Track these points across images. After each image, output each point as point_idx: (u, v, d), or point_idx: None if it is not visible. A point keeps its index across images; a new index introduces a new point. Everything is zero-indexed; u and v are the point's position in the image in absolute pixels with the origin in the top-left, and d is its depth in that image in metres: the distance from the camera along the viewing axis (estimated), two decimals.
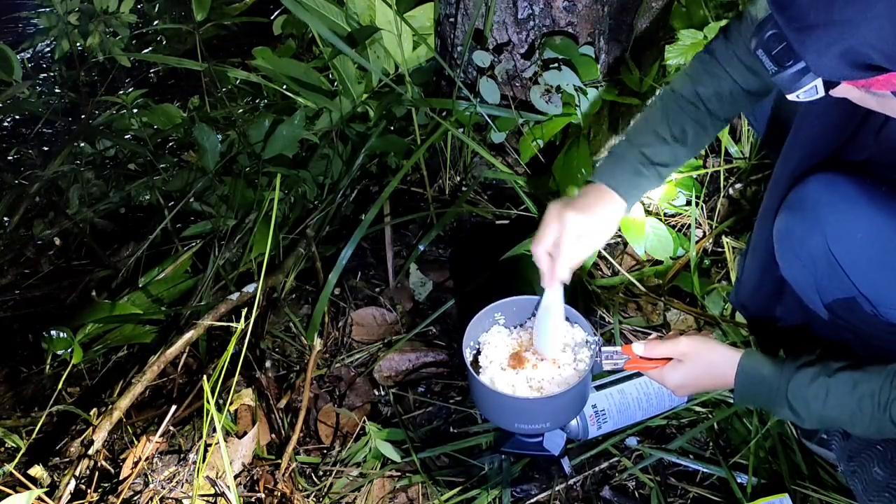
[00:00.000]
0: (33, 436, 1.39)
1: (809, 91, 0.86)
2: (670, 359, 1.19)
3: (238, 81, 2.51)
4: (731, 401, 1.41)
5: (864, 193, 1.04)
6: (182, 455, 1.38)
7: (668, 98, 1.26)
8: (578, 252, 1.21)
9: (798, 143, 1.16)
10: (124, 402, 1.38)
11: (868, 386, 0.99)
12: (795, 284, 1.17)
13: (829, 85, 0.86)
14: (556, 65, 1.84)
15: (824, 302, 1.13)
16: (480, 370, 1.27)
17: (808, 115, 1.13)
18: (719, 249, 1.80)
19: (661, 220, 1.81)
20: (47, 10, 2.80)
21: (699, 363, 1.16)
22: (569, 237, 1.19)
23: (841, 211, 1.04)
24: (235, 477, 1.36)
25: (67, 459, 1.34)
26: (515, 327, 1.35)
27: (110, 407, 1.38)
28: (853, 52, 0.78)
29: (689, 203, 1.84)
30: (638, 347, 1.21)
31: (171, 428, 1.45)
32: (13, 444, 1.43)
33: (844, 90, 0.88)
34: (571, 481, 1.35)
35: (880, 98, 0.86)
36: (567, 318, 1.33)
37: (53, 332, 1.52)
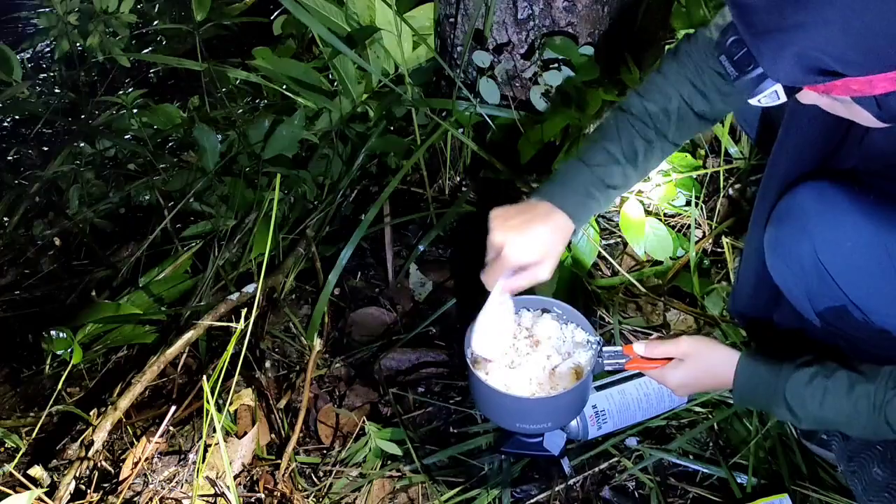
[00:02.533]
0: (33, 436, 1.40)
1: (770, 96, 0.87)
2: (671, 359, 1.19)
3: (238, 81, 2.51)
4: (731, 401, 1.42)
5: (852, 202, 1.04)
6: (182, 455, 1.38)
7: (618, 116, 1.25)
8: (521, 282, 1.20)
9: (784, 153, 1.16)
10: (124, 403, 1.38)
11: (864, 387, 0.99)
12: (787, 293, 1.17)
13: (790, 90, 0.86)
14: (556, 65, 1.84)
15: (816, 310, 1.14)
16: (481, 370, 1.27)
17: (794, 125, 1.14)
18: (719, 250, 1.80)
19: (660, 220, 1.81)
20: (47, 10, 2.80)
21: (700, 363, 1.16)
22: (510, 268, 1.17)
23: (829, 220, 1.05)
24: (235, 477, 1.36)
25: (67, 460, 1.34)
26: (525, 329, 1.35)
27: (110, 407, 1.38)
28: (806, 56, 0.78)
29: (688, 203, 1.84)
30: (639, 347, 1.21)
31: (171, 428, 1.46)
32: (13, 444, 1.43)
33: (813, 97, 0.89)
34: (571, 481, 1.35)
35: (847, 105, 0.86)
36: (566, 319, 1.33)
37: (53, 332, 1.52)
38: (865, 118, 0.87)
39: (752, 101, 0.88)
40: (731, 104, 1.24)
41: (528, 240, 1.16)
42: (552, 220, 1.19)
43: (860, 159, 1.10)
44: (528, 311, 1.34)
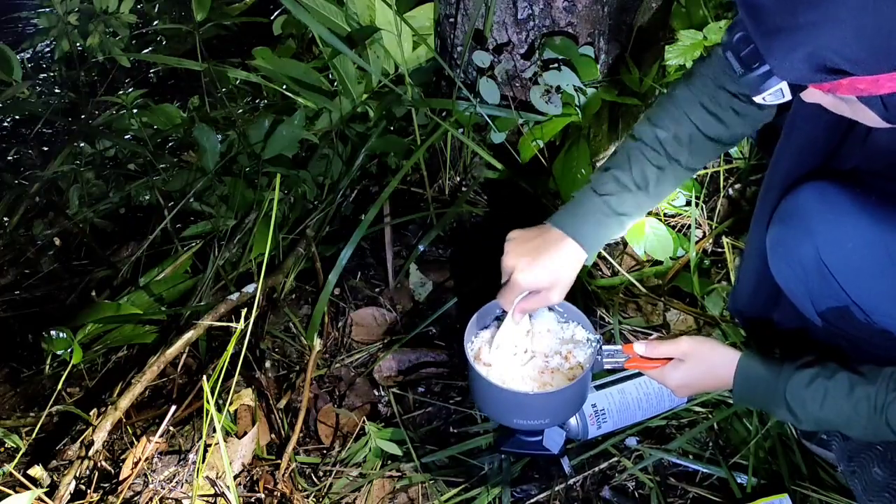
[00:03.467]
0: (33, 436, 1.40)
1: (776, 94, 0.87)
2: (671, 358, 1.19)
3: (238, 81, 2.51)
4: (732, 401, 1.42)
5: (854, 202, 1.04)
6: (182, 455, 1.38)
7: (629, 144, 1.25)
8: (532, 304, 1.23)
9: (786, 153, 1.16)
10: (124, 403, 1.38)
11: (864, 389, 0.99)
12: (789, 292, 1.17)
13: (795, 88, 0.86)
14: (556, 65, 1.84)
15: (817, 310, 1.14)
16: (480, 366, 1.27)
17: (796, 124, 1.13)
18: (719, 250, 1.80)
19: (660, 220, 1.81)
20: (47, 10, 2.80)
21: (700, 363, 1.16)
22: (521, 291, 1.20)
23: (831, 221, 1.05)
24: (235, 477, 1.36)
25: (67, 460, 1.34)
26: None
27: (110, 407, 1.38)
28: (816, 55, 0.78)
29: (688, 203, 1.84)
30: (639, 347, 1.21)
31: (171, 428, 1.46)
32: (13, 444, 1.43)
33: (817, 96, 0.89)
34: (571, 481, 1.35)
35: (851, 104, 0.86)
36: (566, 317, 1.33)
37: (53, 332, 1.52)
38: (871, 118, 0.87)
39: (757, 99, 0.88)
40: (749, 125, 1.23)
41: (537, 267, 1.19)
42: (562, 248, 1.21)
43: (863, 159, 1.10)
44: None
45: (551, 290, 1.21)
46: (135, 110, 2.34)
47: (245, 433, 1.40)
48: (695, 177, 1.88)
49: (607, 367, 1.25)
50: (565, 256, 1.21)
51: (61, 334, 1.52)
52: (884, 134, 1.00)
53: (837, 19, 0.75)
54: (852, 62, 0.77)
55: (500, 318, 1.35)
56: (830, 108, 0.91)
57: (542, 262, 1.19)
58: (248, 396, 1.48)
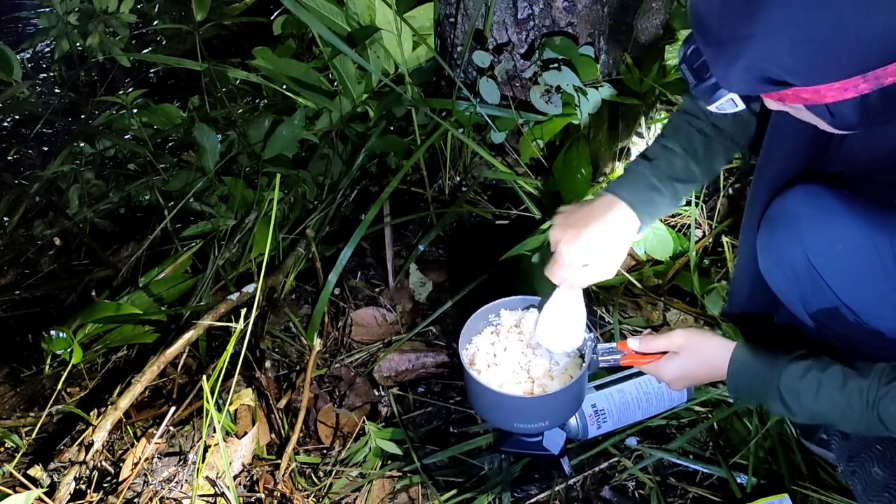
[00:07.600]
0: (33, 436, 1.40)
1: (728, 103, 0.90)
2: (666, 352, 1.19)
3: (238, 81, 2.51)
4: (731, 401, 1.42)
5: (842, 205, 1.04)
6: (182, 455, 1.38)
7: (674, 115, 1.28)
8: (586, 278, 1.18)
9: (771, 158, 1.16)
10: (124, 403, 1.38)
11: (857, 382, 0.99)
12: (781, 295, 1.17)
13: (748, 98, 0.89)
14: (556, 65, 1.84)
15: (809, 312, 1.14)
16: (477, 370, 1.27)
17: (780, 129, 1.14)
18: (719, 249, 1.80)
19: (660, 220, 1.81)
20: (47, 10, 2.80)
21: (695, 355, 1.16)
22: (567, 264, 1.16)
23: (820, 223, 1.05)
24: (235, 477, 1.36)
25: (67, 460, 1.34)
26: (514, 327, 1.35)
27: (110, 407, 1.38)
28: (755, 67, 0.81)
29: (688, 203, 1.84)
30: (633, 342, 1.21)
31: (171, 428, 1.46)
32: (13, 444, 1.43)
33: (776, 104, 0.90)
34: (571, 481, 1.35)
35: (807, 112, 0.87)
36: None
37: (53, 332, 1.52)
38: (823, 125, 0.88)
39: (712, 108, 0.91)
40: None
41: (584, 236, 1.15)
42: (613, 214, 1.18)
43: (843, 164, 1.10)
44: (508, 310, 1.34)
45: (604, 262, 1.17)
46: (135, 110, 2.34)
47: (245, 433, 1.41)
48: None
49: (602, 365, 1.25)
50: (615, 223, 1.17)
51: (61, 334, 1.52)
52: (857, 140, 1.01)
53: (772, 32, 0.77)
54: (791, 73, 0.79)
55: (494, 323, 1.35)
56: (795, 115, 0.92)
57: (590, 232, 1.15)
58: (248, 396, 1.48)
